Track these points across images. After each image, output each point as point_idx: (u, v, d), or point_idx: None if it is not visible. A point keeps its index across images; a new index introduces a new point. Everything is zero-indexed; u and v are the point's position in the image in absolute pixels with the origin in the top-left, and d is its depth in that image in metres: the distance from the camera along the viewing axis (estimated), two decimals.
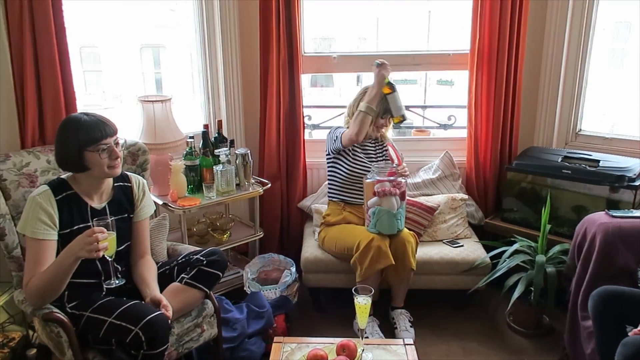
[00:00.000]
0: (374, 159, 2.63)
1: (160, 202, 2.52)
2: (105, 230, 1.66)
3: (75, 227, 1.81)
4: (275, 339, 1.84)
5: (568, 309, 2.25)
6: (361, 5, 3.37)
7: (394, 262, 2.32)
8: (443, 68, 3.19)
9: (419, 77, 5.15)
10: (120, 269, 1.94)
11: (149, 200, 2.08)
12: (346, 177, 2.62)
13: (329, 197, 2.76)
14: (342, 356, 1.52)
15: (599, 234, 2.12)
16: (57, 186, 1.82)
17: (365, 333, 2.35)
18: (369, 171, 2.52)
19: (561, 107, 2.93)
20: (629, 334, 1.75)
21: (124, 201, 1.96)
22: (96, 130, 1.75)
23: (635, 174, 2.42)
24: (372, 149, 2.67)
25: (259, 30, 2.82)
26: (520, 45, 2.82)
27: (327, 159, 2.70)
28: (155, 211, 2.42)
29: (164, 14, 3.54)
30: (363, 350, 1.61)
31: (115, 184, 1.95)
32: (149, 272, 1.98)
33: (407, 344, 1.78)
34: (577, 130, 2.98)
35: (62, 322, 1.74)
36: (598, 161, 2.58)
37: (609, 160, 2.57)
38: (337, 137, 2.59)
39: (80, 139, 1.73)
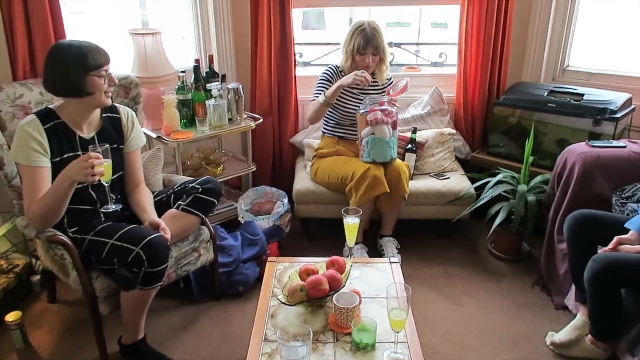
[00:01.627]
0: (369, 93, 2.66)
1: (153, 135, 2.57)
2: (100, 156, 1.71)
3: (65, 156, 1.85)
4: (269, 259, 1.95)
5: (546, 234, 2.38)
6: None
7: (388, 190, 2.42)
8: (434, 2, 3.17)
9: (412, 19, 5.09)
10: (114, 197, 2.01)
11: (138, 131, 2.11)
12: (341, 115, 2.66)
13: (323, 131, 2.82)
14: (332, 270, 1.63)
15: (578, 163, 2.22)
16: (45, 115, 1.84)
17: (354, 254, 2.49)
18: (356, 109, 2.56)
19: (550, 42, 2.95)
20: (599, 251, 1.87)
21: (112, 132, 2.00)
22: (100, 55, 1.78)
23: (617, 107, 2.49)
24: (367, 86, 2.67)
25: None
26: None
27: None
28: (148, 144, 2.47)
29: None
30: (351, 265, 1.73)
31: (104, 115, 1.98)
32: (146, 198, 2.06)
33: (393, 262, 1.90)
34: (565, 65, 3.02)
35: (65, 243, 1.83)
36: (582, 95, 2.64)
37: (593, 94, 2.63)
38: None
39: (86, 63, 1.74)
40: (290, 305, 1.56)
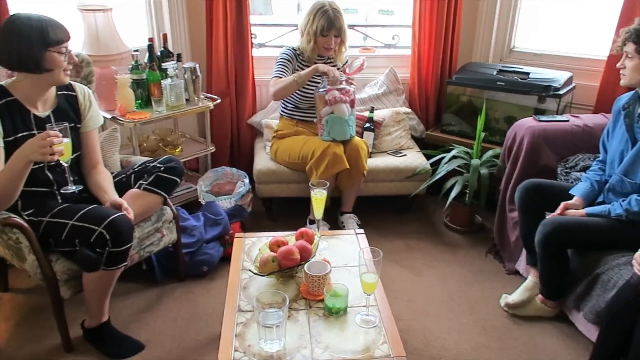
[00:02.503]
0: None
1: (108, 116, 2.48)
2: (60, 134, 1.65)
3: (19, 135, 1.77)
4: (236, 234, 1.95)
5: (497, 205, 2.52)
6: None
7: (348, 167, 2.47)
8: None
9: (359, 6, 5.17)
10: (72, 178, 1.94)
11: (96, 110, 2.05)
12: (299, 99, 2.67)
13: (281, 113, 2.82)
14: (302, 241, 1.66)
15: (526, 136, 2.36)
16: None
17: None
18: (314, 90, 2.58)
19: (498, 24, 3.09)
20: (547, 217, 2.01)
21: (68, 110, 1.93)
22: (61, 31, 1.71)
23: (560, 84, 2.65)
24: None
25: None
26: None
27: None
28: (103, 125, 2.39)
29: None
30: (320, 236, 1.76)
31: (59, 92, 1.91)
32: (105, 179, 2.00)
33: (358, 234, 1.95)
34: (511, 46, 3.18)
35: (20, 226, 1.76)
36: (528, 74, 2.79)
37: (538, 73, 2.79)
38: (272, 75, 2.63)
39: (46, 38, 1.67)
40: (263, 276, 1.57)
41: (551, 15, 3.14)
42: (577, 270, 1.94)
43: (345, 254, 1.81)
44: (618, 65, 1.86)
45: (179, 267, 2.33)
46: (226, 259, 2.47)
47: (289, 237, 1.74)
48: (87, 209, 1.80)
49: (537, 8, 3.10)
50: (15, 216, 1.79)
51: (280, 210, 2.93)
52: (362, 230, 1.97)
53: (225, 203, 2.61)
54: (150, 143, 2.75)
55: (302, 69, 2.65)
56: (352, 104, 2.52)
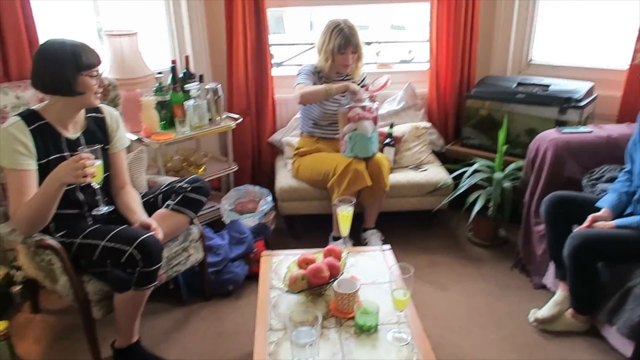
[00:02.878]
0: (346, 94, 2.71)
1: (133, 137, 2.54)
2: (92, 156, 1.70)
3: (51, 157, 1.82)
4: (263, 253, 1.97)
5: (522, 218, 2.50)
6: None
7: (370, 183, 2.47)
8: (404, 1, 3.26)
9: (370, 22, 5.23)
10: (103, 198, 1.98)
11: (123, 131, 2.10)
12: (319, 115, 2.70)
13: (301, 131, 2.85)
14: (330, 258, 1.67)
15: (550, 149, 2.35)
16: (29, 117, 1.81)
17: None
18: (337, 106, 2.61)
19: (515, 37, 3.10)
20: (575, 230, 1.99)
21: (97, 132, 1.98)
22: (93, 55, 1.78)
23: (581, 96, 2.64)
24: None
25: None
26: None
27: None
28: (129, 147, 2.44)
29: None
30: (348, 253, 1.77)
31: (88, 115, 1.96)
32: (133, 199, 2.04)
33: (385, 250, 1.95)
34: (529, 59, 3.18)
35: (54, 247, 1.80)
36: (548, 86, 2.78)
37: (558, 85, 2.78)
38: (295, 82, 2.66)
39: (79, 62, 1.73)
40: (293, 294, 1.58)
41: (567, 27, 3.15)
42: (608, 283, 1.91)
43: (373, 271, 1.81)
44: None
45: (205, 286, 2.35)
46: (251, 277, 2.50)
47: (317, 255, 1.75)
48: (118, 229, 1.83)
49: (553, 20, 3.11)
50: (49, 238, 1.83)
51: (303, 227, 2.94)
52: (388, 246, 1.97)
53: (249, 221, 2.63)
54: (175, 163, 2.79)
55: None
56: (374, 121, 2.53)
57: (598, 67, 2.93)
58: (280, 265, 1.86)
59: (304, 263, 1.67)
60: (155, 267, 1.80)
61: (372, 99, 2.54)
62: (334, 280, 1.60)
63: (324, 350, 1.40)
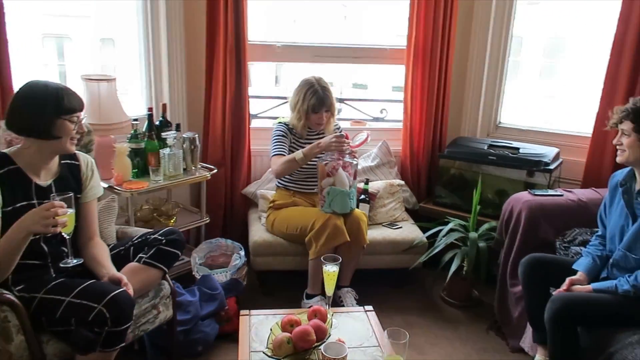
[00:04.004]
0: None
1: (104, 185, 2.42)
2: (65, 205, 1.60)
3: (18, 205, 1.71)
4: (241, 312, 1.87)
5: (497, 279, 2.51)
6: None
7: (349, 239, 2.44)
8: (380, 62, 3.37)
9: (334, 79, 5.43)
10: (66, 250, 1.85)
11: (97, 180, 2.01)
12: (296, 170, 2.69)
13: (277, 184, 2.82)
14: (316, 319, 1.60)
15: (523, 211, 2.40)
16: None
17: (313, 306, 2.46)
18: (317, 160, 2.61)
19: (484, 101, 3.24)
20: (553, 293, 2.01)
21: (70, 180, 1.88)
22: (76, 100, 1.72)
23: (549, 160, 2.76)
24: (317, 138, 2.73)
25: (206, 17, 2.81)
26: (450, 44, 3.06)
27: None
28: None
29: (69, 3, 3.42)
30: (332, 314, 1.70)
31: (62, 161, 1.87)
32: (102, 252, 1.92)
33: (368, 311, 1.90)
34: (497, 122, 3.32)
35: (12, 303, 1.64)
36: (518, 149, 2.89)
37: (527, 148, 2.90)
38: (270, 153, 2.67)
39: (61, 105, 1.66)
40: (280, 359, 1.49)
41: (534, 92, 3.33)
42: (588, 348, 1.91)
43: (357, 333, 1.75)
44: (614, 142, 1.95)
45: (173, 347, 2.19)
46: (221, 337, 2.37)
47: (301, 315, 1.67)
48: (86, 284, 1.71)
49: (520, 85, 3.29)
50: (7, 292, 1.67)
51: (275, 283, 2.84)
52: (370, 307, 1.92)
53: (220, 277, 2.52)
54: (144, 213, 2.68)
55: (297, 143, 2.69)
56: (354, 176, 2.54)
57: (563, 132, 3.08)
58: (261, 326, 1.76)
59: (288, 325, 1.59)
60: (125, 326, 1.68)
61: (352, 154, 2.55)
62: (321, 344, 1.52)
63: None
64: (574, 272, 2.05)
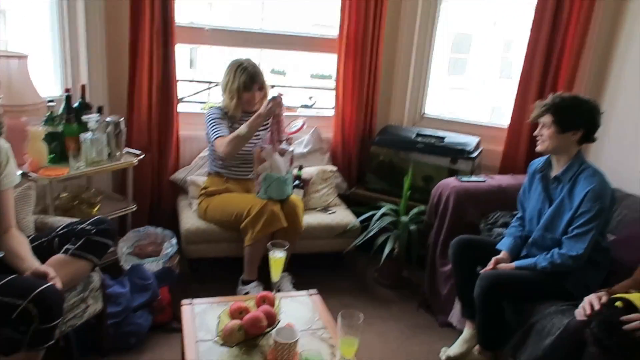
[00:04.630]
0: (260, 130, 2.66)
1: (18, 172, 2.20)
2: None
3: None
4: (183, 301, 1.79)
5: (427, 260, 2.64)
6: None
7: (286, 225, 2.43)
8: (309, 50, 3.38)
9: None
10: None
11: (13, 167, 1.83)
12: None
13: (210, 171, 2.73)
14: (265, 305, 1.58)
15: (451, 195, 2.54)
16: None
17: (250, 292, 2.44)
18: (252, 146, 2.56)
19: (410, 92, 3.37)
20: (480, 272, 2.15)
21: None
22: None
23: (472, 148, 2.93)
24: None
25: None
26: (380, 37, 3.12)
27: (210, 141, 2.64)
28: None
29: None
30: (280, 300, 1.69)
31: None
32: (21, 244, 1.76)
33: (312, 294, 1.91)
34: (422, 113, 3.46)
35: None
36: (443, 138, 3.04)
37: (451, 137, 3.05)
38: (211, 137, 2.56)
39: None
40: (231, 347, 1.46)
41: (456, 86, 3.52)
42: (512, 320, 2.08)
43: (303, 317, 1.75)
44: (535, 133, 2.11)
45: (103, 341, 2.07)
46: (155, 327, 2.27)
47: (248, 302, 1.64)
48: (6, 280, 1.55)
49: (443, 79, 3.45)
50: None
51: (207, 271, 2.76)
52: (315, 291, 1.94)
53: (151, 266, 2.41)
54: (63, 201, 2.48)
55: (233, 126, 2.62)
56: (290, 162, 2.52)
57: (482, 124, 3.29)
58: (205, 315, 1.71)
59: (237, 312, 1.55)
60: (55, 322, 1.56)
61: (288, 141, 2.53)
62: (272, 329, 1.51)
63: None
64: (498, 252, 2.21)
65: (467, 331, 2.27)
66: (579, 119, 2.01)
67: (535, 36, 2.82)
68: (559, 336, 1.78)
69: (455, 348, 2.23)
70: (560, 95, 2.06)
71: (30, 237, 1.87)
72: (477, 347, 2.20)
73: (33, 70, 2.35)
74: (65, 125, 2.41)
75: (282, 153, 2.48)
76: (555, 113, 2.01)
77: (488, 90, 3.48)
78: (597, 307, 1.66)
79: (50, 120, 2.35)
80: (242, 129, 2.43)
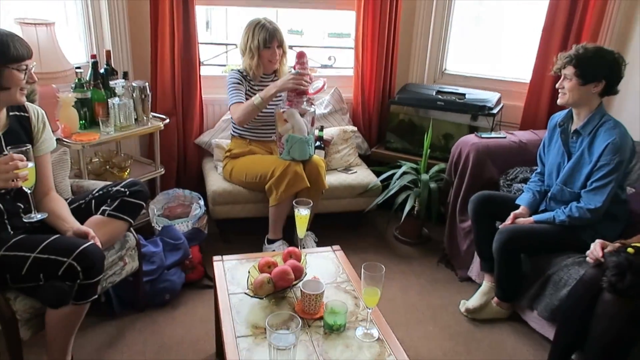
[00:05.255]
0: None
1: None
2: (24, 157, 1.53)
3: None
4: (214, 257, 1.89)
5: (447, 216, 2.69)
6: None
7: (309, 185, 2.50)
8: (327, 7, 3.34)
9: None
10: (22, 206, 1.78)
11: (49, 133, 1.92)
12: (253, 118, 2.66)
13: (232, 133, 2.79)
14: (292, 260, 1.67)
15: (471, 152, 2.56)
16: None
17: (278, 249, 2.54)
18: (273, 108, 2.60)
19: (430, 49, 3.33)
20: (499, 226, 2.20)
21: (21, 133, 1.78)
22: (24, 47, 1.60)
23: (492, 105, 2.92)
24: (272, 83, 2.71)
25: None
26: None
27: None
28: None
29: None
30: (306, 255, 1.78)
31: (11, 114, 1.76)
32: (61, 206, 1.86)
33: (336, 250, 1.99)
34: (443, 69, 3.43)
35: None
36: (464, 94, 3.03)
37: (472, 94, 3.04)
38: (228, 102, 2.60)
39: (7, 53, 1.55)
40: (261, 298, 1.56)
41: (478, 41, 3.46)
42: (529, 273, 2.14)
43: (328, 271, 1.84)
44: (557, 85, 2.10)
45: (139, 297, 2.20)
46: (187, 285, 2.40)
47: (276, 257, 1.73)
48: (51, 239, 1.66)
49: (464, 34, 3.39)
50: None
51: (234, 231, 2.88)
52: (338, 247, 2.02)
53: (182, 227, 2.52)
54: (95, 166, 2.59)
55: (252, 89, 2.66)
56: (312, 122, 2.57)
57: (503, 79, 3.25)
58: (235, 270, 1.81)
59: (266, 266, 1.65)
60: (97, 278, 1.67)
61: (309, 102, 2.56)
62: (299, 282, 1.60)
63: (298, 352, 1.40)
64: (517, 207, 2.25)
65: (486, 284, 2.34)
66: (602, 71, 1.98)
67: None
68: (574, 286, 1.84)
69: (474, 300, 2.31)
70: (583, 46, 2.04)
71: (68, 200, 1.97)
72: (495, 299, 2.27)
73: (60, 38, 2.42)
74: (94, 91, 2.49)
75: (304, 113, 2.52)
76: (578, 64, 1.99)
77: (515, 43, 3.39)
78: (608, 248, 1.72)
79: (79, 86, 2.43)
80: (257, 98, 2.48)
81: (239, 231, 2.87)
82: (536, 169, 2.37)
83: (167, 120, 2.71)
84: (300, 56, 2.47)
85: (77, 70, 2.43)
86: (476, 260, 2.48)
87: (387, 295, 2.44)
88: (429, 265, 2.73)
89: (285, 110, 2.50)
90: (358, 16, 3.11)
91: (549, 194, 2.21)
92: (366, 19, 3.09)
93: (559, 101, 2.12)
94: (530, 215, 2.20)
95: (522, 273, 2.17)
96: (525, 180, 2.45)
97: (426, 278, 2.61)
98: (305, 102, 2.52)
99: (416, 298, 2.44)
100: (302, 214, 1.78)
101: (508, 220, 2.19)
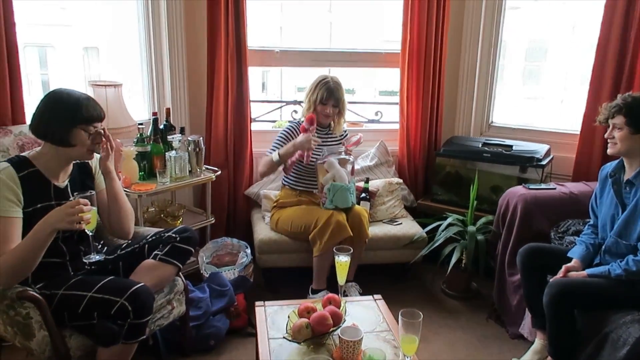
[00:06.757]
0: (328, 144, 2.78)
1: None
2: (88, 202, 1.67)
3: (38, 206, 1.77)
4: (256, 303, 1.94)
5: (496, 269, 2.61)
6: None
7: (352, 234, 2.53)
8: (375, 65, 3.48)
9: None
10: (83, 249, 1.92)
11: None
12: (302, 169, 2.77)
13: (283, 183, 2.89)
14: (331, 306, 1.68)
15: (519, 203, 2.51)
16: (19, 163, 1.78)
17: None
18: (315, 160, 2.69)
19: (477, 101, 3.37)
20: (550, 280, 2.11)
21: (84, 178, 1.96)
22: (95, 111, 1.79)
23: (541, 156, 2.88)
24: (325, 137, 2.81)
25: (207, 24, 2.90)
26: (444, 48, 3.19)
27: None
28: None
29: (52, 12, 3.51)
30: (345, 302, 1.79)
31: (73, 162, 1.94)
32: None
33: (377, 299, 1.98)
34: (490, 122, 3.44)
35: (36, 299, 1.70)
36: (511, 146, 3.01)
37: (520, 145, 3.02)
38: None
39: (77, 114, 1.74)
40: (297, 343, 1.57)
41: (523, 93, 3.46)
42: (584, 330, 2.02)
43: (368, 319, 1.83)
44: (606, 135, 2.07)
45: (186, 342, 2.26)
46: (232, 332, 2.43)
47: (316, 303, 1.75)
48: (106, 280, 1.77)
49: (511, 87, 3.42)
50: (31, 289, 1.73)
51: (279, 280, 2.91)
52: (380, 296, 2.01)
53: (228, 274, 2.59)
54: (151, 214, 2.74)
55: None
56: (352, 171, 2.64)
57: (553, 131, 3.21)
58: (276, 315, 1.84)
59: (305, 312, 1.67)
60: (147, 318, 1.75)
61: (347, 152, 2.66)
62: (337, 328, 1.60)
63: None
64: (569, 260, 2.15)
65: (538, 342, 2.22)
66: None
67: (605, 36, 2.75)
68: (635, 346, 1.72)
69: (526, 358, 2.19)
70: (631, 95, 2.01)
71: (124, 244, 2.10)
72: (548, 358, 2.14)
73: (125, 96, 2.66)
74: (153, 145, 2.68)
75: (344, 164, 2.59)
76: (628, 113, 1.96)
77: (569, 97, 3.38)
78: None
79: (140, 141, 2.64)
80: (275, 155, 2.62)
81: (285, 280, 2.91)
82: (589, 221, 2.29)
83: (219, 172, 2.85)
84: (311, 122, 2.59)
85: (140, 126, 2.64)
86: (528, 316, 2.37)
87: (432, 349, 2.36)
88: (477, 321, 2.63)
89: (326, 161, 2.59)
90: (402, 72, 3.22)
91: (603, 247, 2.11)
92: (410, 75, 3.19)
93: (609, 151, 2.08)
94: (583, 269, 2.10)
95: (576, 330, 2.05)
96: (577, 233, 2.36)
97: (475, 334, 2.51)
98: (343, 153, 2.61)
99: (463, 354, 2.34)
100: (342, 261, 1.81)
101: (560, 274, 2.10)
